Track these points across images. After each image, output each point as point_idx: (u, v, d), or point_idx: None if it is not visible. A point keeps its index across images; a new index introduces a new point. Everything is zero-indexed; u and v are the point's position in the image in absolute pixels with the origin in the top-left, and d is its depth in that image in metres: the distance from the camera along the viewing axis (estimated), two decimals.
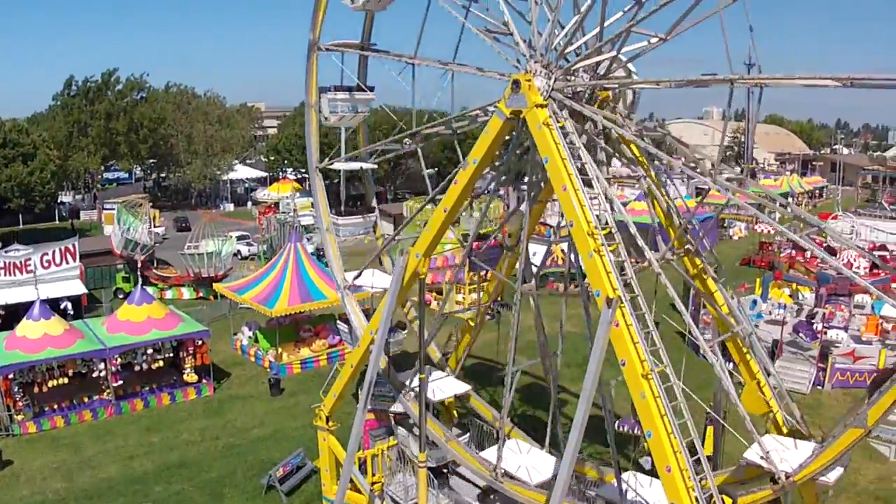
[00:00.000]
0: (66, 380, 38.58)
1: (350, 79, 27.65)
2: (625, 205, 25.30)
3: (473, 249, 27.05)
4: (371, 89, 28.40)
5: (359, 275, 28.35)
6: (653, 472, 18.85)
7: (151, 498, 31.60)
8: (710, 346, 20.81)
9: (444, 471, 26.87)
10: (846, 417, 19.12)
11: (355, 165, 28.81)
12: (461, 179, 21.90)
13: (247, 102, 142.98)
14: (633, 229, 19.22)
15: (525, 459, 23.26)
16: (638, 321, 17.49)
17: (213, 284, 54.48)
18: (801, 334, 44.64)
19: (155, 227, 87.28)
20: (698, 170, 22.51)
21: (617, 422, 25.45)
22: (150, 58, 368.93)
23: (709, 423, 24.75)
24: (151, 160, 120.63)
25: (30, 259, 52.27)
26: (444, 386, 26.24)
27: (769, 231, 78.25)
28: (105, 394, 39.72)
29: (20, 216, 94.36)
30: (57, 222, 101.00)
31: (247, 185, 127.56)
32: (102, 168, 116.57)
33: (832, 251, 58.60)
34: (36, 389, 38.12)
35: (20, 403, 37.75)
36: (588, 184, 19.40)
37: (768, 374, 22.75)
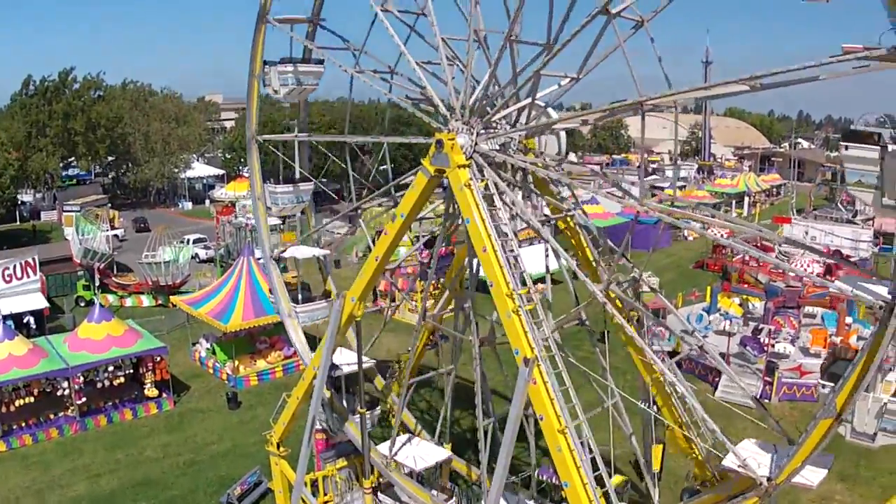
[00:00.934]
0: (31, 399, 40.15)
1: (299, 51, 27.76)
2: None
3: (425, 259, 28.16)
4: (320, 62, 28.51)
5: (285, 249, 29.52)
6: None
7: None
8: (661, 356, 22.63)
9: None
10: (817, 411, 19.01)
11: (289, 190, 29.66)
12: (391, 231, 23.44)
13: (204, 96, 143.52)
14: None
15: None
16: (555, 379, 19.07)
17: (171, 298, 55.78)
18: (748, 347, 45.58)
19: (113, 228, 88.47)
20: (625, 199, 23.51)
21: (537, 470, 27.67)
22: (107, 51, 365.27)
23: (655, 442, 26.72)
24: (110, 157, 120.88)
25: None
26: (425, 453, 26.68)
27: (721, 234, 78.59)
28: (70, 411, 41.26)
29: None
30: (18, 223, 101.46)
31: (205, 181, 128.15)
32: (61, 166, 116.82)
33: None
34: (3, 409, 39.58)
35: None
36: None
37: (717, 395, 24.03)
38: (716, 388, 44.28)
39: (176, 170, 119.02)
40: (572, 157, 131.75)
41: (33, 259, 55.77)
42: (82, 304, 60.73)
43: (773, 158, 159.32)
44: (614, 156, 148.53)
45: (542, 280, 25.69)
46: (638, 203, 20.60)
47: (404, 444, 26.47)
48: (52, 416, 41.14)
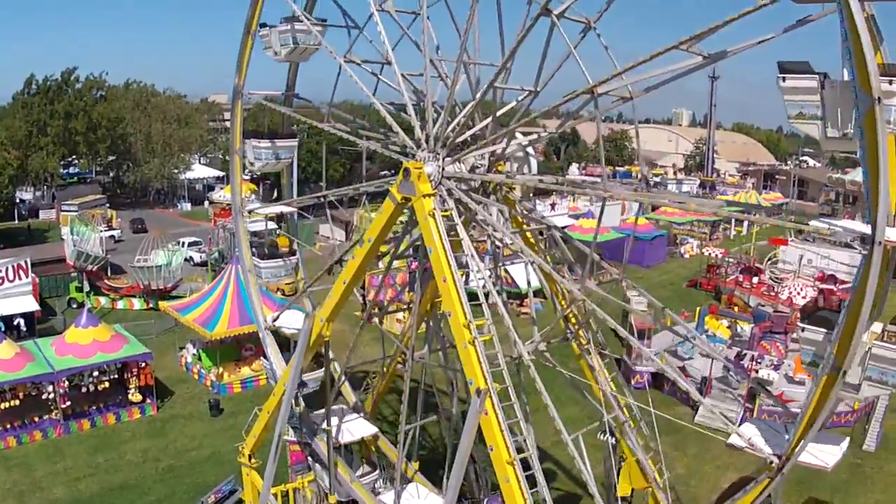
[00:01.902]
0: (17, 402, 40.76)
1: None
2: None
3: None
4: (294, 136, 29.79)
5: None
6: None
7: None
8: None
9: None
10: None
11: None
12: (358, 255, 23.82)
13: (207, 97, 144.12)
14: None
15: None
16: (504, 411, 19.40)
17: (160, 303, 56.36)
18: (731, 372, 45.36)
19: (111, 228, 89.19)
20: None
21: (486, 500, 28.15)
22: (112, 50, 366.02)
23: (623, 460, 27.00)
24: (111, 157, 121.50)
25: None
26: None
27: (717, 255, 78.65)
28: (54, 414, 41.83)
29: None
30: (16, 221, 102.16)
31: (205, 182, 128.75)
32: (61, 165, 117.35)
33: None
34: None
35: None
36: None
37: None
38: (696, 413, 43.96)
39: (176, 170, 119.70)
40: (574, 168, 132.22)
41: (25, 262, 56.37)
42: (74, 306, 61.20)
43: (776, 176, 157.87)
44: (617, 168, 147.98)
45: (536, 294, 26.09)
46: (602, 190, 20.78)
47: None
48: (36, 419, 41.71)
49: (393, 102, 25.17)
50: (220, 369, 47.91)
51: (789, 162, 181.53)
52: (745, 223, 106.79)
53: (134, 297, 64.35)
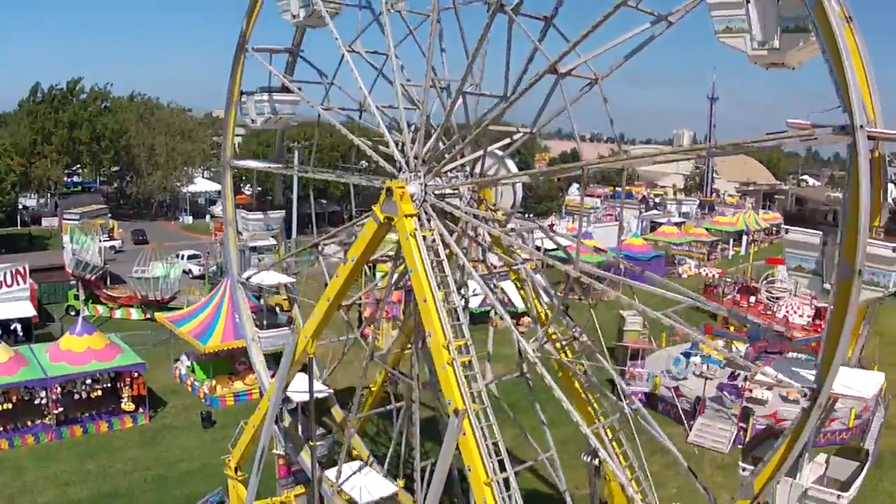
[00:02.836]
0: (10, 405, 41.12)
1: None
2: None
3: None
4: (282, 207, 30.99)
5: (253, 273, 29.85)
6: None
7: None
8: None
9: None
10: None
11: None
12: (342, 274, 24.20)
13: (212, 112, 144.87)
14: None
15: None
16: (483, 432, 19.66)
17: (156, 314, 56.64)
18: (725, 392, 45.70)
19: (112, 238, 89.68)
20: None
21: None
22: (117, 61, 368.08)
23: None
24: (114, 168, 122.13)
25: None
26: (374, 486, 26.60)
27: (714, 274, 78.88)
28: (47, 419, 42.12)
29: None
30: (18, 227, 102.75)
31: (207, 195, 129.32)
32: (65, 174, 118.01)
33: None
34: None
35: None
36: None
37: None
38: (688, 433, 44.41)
39: (178, 184, 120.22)
40: (574, 189, 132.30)
41: (24, 267, 56.84)
42: (72, 314, 61.65)
43: (776, 196, 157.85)
44: (618, 188, 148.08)
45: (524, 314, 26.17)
46: (572, 269, 20.66)
47: (353, 473, 27.10)
48: (29, 423, 41.99)
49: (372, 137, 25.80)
50: (214, 382, 48.11)
51: (788, 181, 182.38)
52: (744, 242, 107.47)
53: (131, 307, 64.73)
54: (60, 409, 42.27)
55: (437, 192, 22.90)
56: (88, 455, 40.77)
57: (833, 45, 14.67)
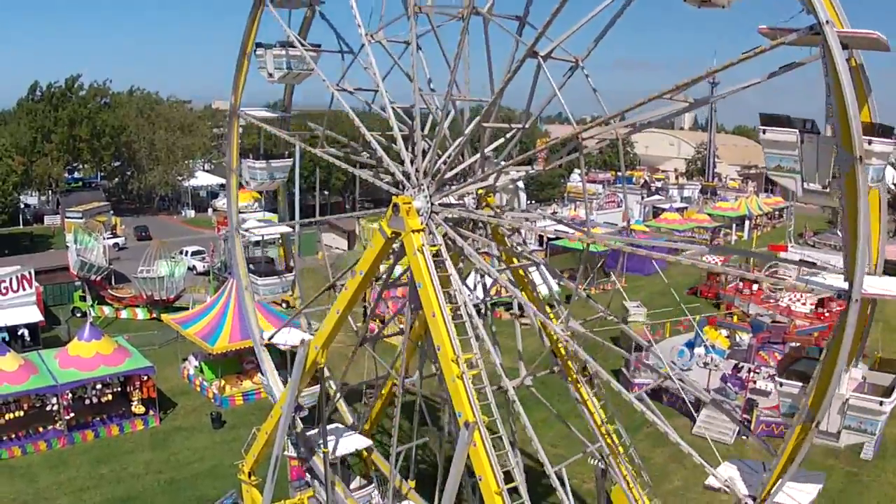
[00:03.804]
0: (21, 413, 41.40)
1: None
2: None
3: None
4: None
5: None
6: None
7: None
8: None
9: None
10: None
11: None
12: (350, 286, 24.53)
13: (211, 104, 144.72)
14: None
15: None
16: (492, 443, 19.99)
17: (162, 316, 56.73)
18: (728, 384, 45.66)
19: (116, 235, 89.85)
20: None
21: None
22: (118, 55, 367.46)
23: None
24: (115, 164, 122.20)
25: None
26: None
27: (717, 262, 78.64)
28: (58, 424, 42.40)
29: None
30: (21, 226, 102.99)
31: (209, 189, 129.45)
32: (66, 170, 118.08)
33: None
34: None
35: None
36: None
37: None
38: (694, 423, 44.47)
39: (180, 178, 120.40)
40: (575, 175, 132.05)
41: (29, 273, 57.05)
42: (78, 315, 61.88)
43: None
44: (619, 173, 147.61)
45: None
46: (587, 235, 20.50)
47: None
48: (40, 430, 42.27)
49: (383, 132, 25.85)
50: (222, 382, 48.33)
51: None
52: (747, 227, 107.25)
53: (137, 307, 65.00)
54: (71, 415, 42.58)
55: (441, 202, 23.14)
56: (101, 459, 41.09)
57: (853, 216, 14.86)
